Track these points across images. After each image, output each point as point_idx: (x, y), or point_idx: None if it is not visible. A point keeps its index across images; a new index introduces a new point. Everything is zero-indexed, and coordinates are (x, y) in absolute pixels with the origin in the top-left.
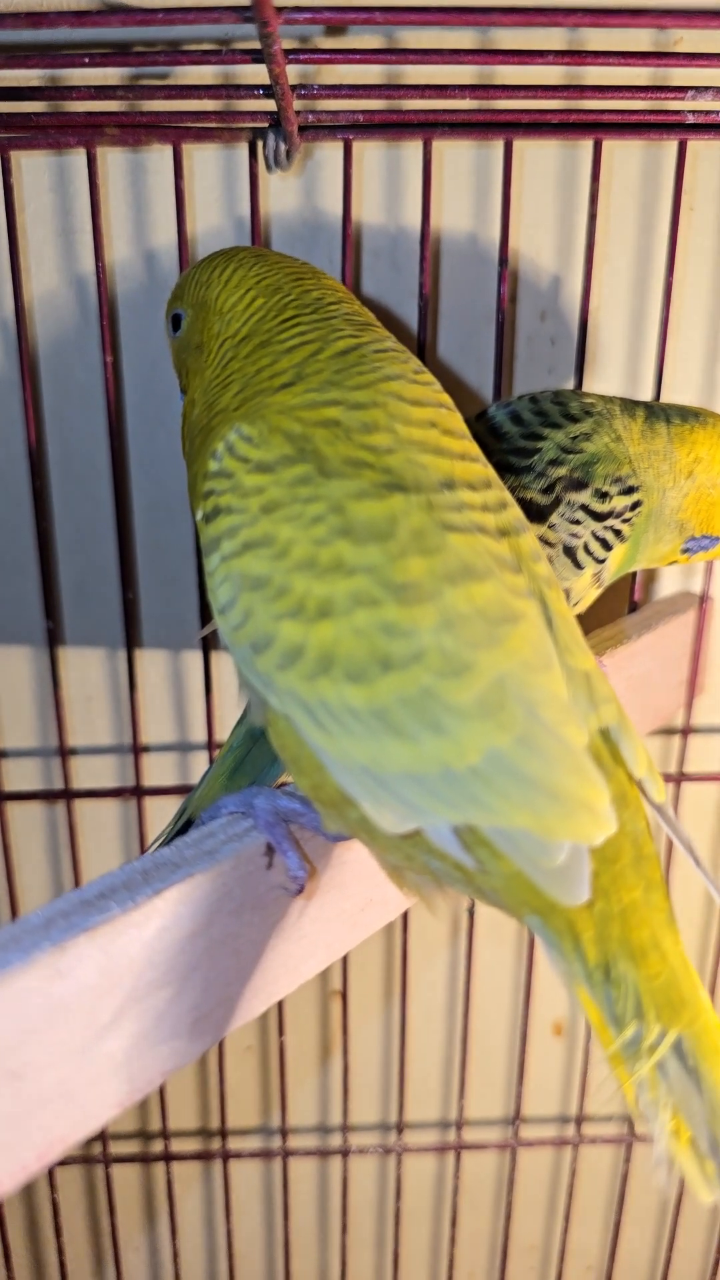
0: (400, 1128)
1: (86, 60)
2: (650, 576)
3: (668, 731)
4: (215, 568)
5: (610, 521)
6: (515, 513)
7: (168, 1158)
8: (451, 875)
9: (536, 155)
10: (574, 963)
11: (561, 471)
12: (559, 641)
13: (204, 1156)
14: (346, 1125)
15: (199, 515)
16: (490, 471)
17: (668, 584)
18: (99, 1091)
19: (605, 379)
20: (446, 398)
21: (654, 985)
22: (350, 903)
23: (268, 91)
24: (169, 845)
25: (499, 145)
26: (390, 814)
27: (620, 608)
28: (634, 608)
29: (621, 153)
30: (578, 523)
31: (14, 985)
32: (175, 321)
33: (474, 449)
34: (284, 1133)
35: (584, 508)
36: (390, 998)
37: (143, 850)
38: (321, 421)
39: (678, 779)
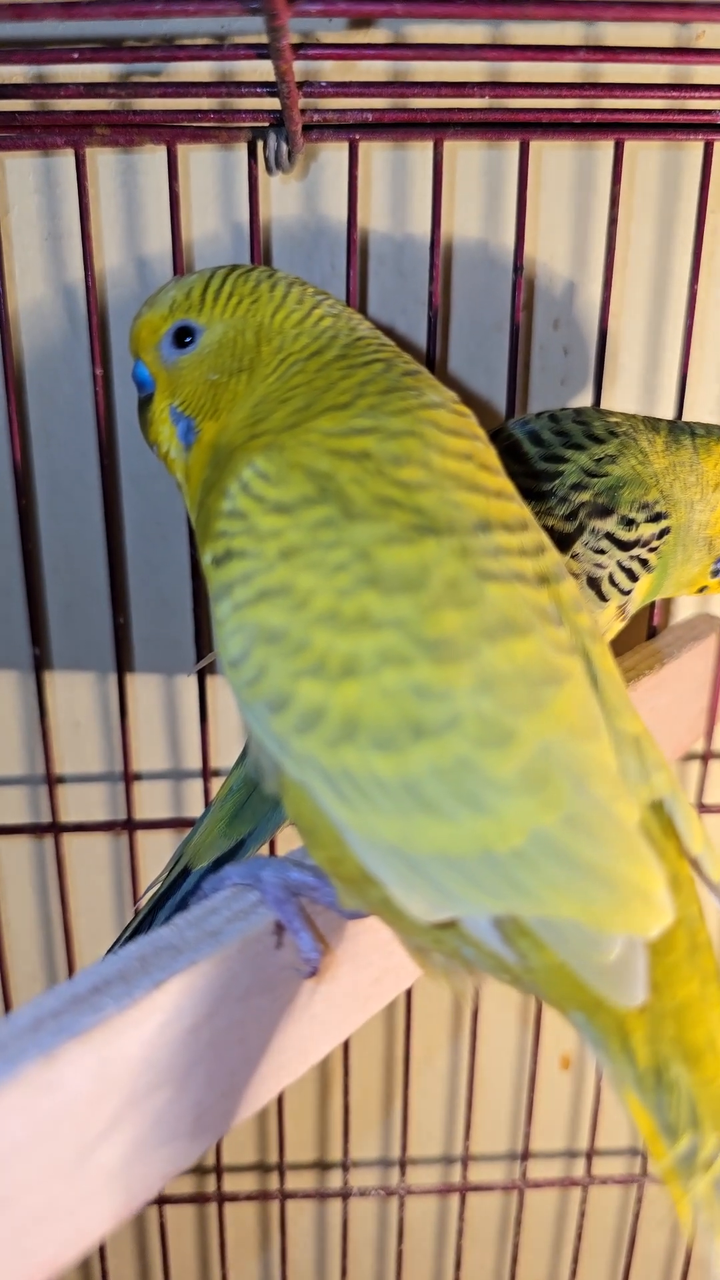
0: (403, 1164)
1: (75, 55)
2: (668, 599)
3: (685, 758)
4: (226, 617)
5: (637, 550)
6: (554, 557)
7: (160, 1200)
8: (486, 963)
9: (551, 156)
10: (623, 1065)
11: (585, 497)
12: (606, 703)
13: (199, 1199)
14: (347, 1162)
15: (208, 558)
16: (526, 512)
17: (685, 606)
18: (93, 1207)
19: (622, 392)
20: (483, 432)
21: (711, 1090)
22: (364, 975)
23: (270, 89)
24: (168, 925)
25: (512, 146)
26: (422, 900)
27: (638, 634)
28: (653, 633)
29: (641, 154)
30: (603, 552)
31: (0, 1103)
32: (180, 335)
33: (509, 486)
34: (281, 1171)
35: (609, 536)
36: (392, 1030)
37: (135, 892)
38: (351, 454)
39: (697, 810)
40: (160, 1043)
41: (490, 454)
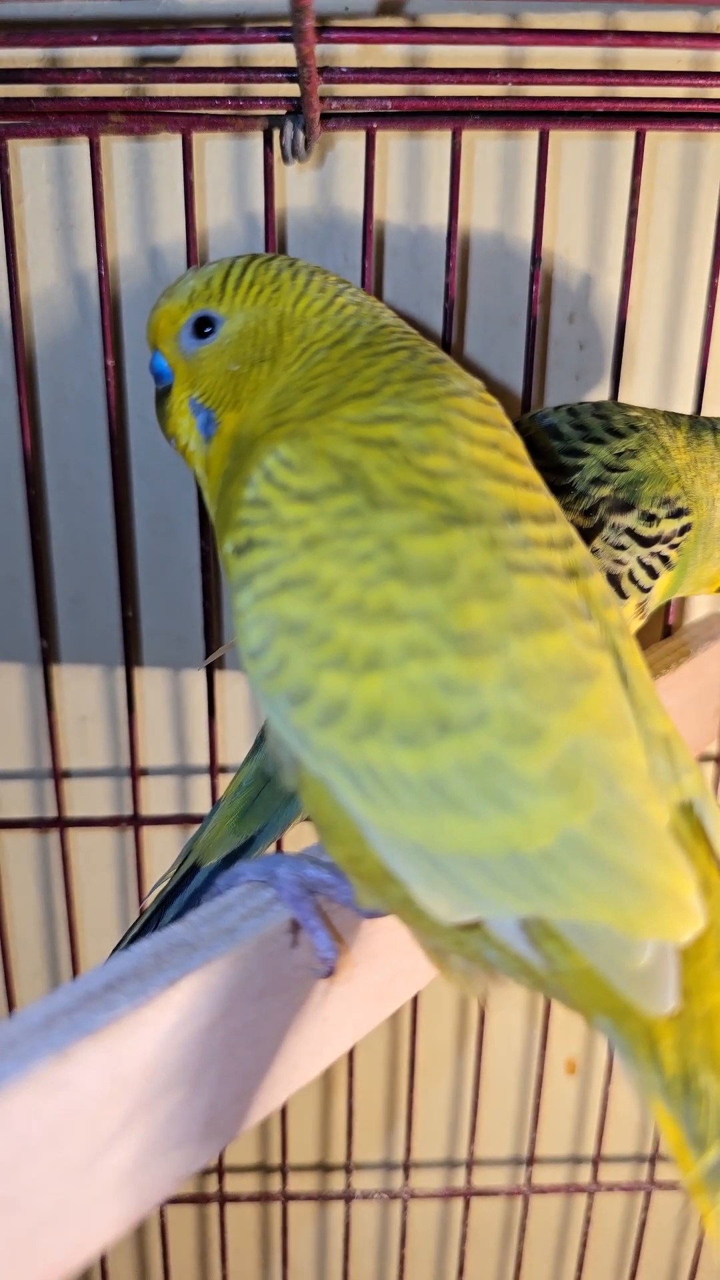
0: (407, 1168)
1: (95, 39)
2: (682, 598)
3: (698, 760)
4: (247, 607)
5: (658, 547)
6: (582, 551)
7: None
8: (509, 967)
9: (570, 147)
10: (650, 1073)
11: (605, 491)
12: (635, 701)
13: (200, 1200)
14: (350, 1165)
15: (228, 547)
16: (554, 503)
17: (699, 605)
18: (102, 1210)
19: (639, 387)
20: (509, 422)
21: None
22: (379, 974)
23: (290, 75)
24: (182, 922)
25: (529, 136)
26: (446, 900)
27: (654, 633)
28: (668, 632)
29: (661, 144)
30: (623, 548)
31: (10, 1103)
32: (200, 325)
33: (536, 477)
34: (284, 1172)
35: (629, 531)
36: (398, 1031)
37: (140, 888)
38: (377, 441)
39: None
40: (174, 1042)
41: (517, 443)
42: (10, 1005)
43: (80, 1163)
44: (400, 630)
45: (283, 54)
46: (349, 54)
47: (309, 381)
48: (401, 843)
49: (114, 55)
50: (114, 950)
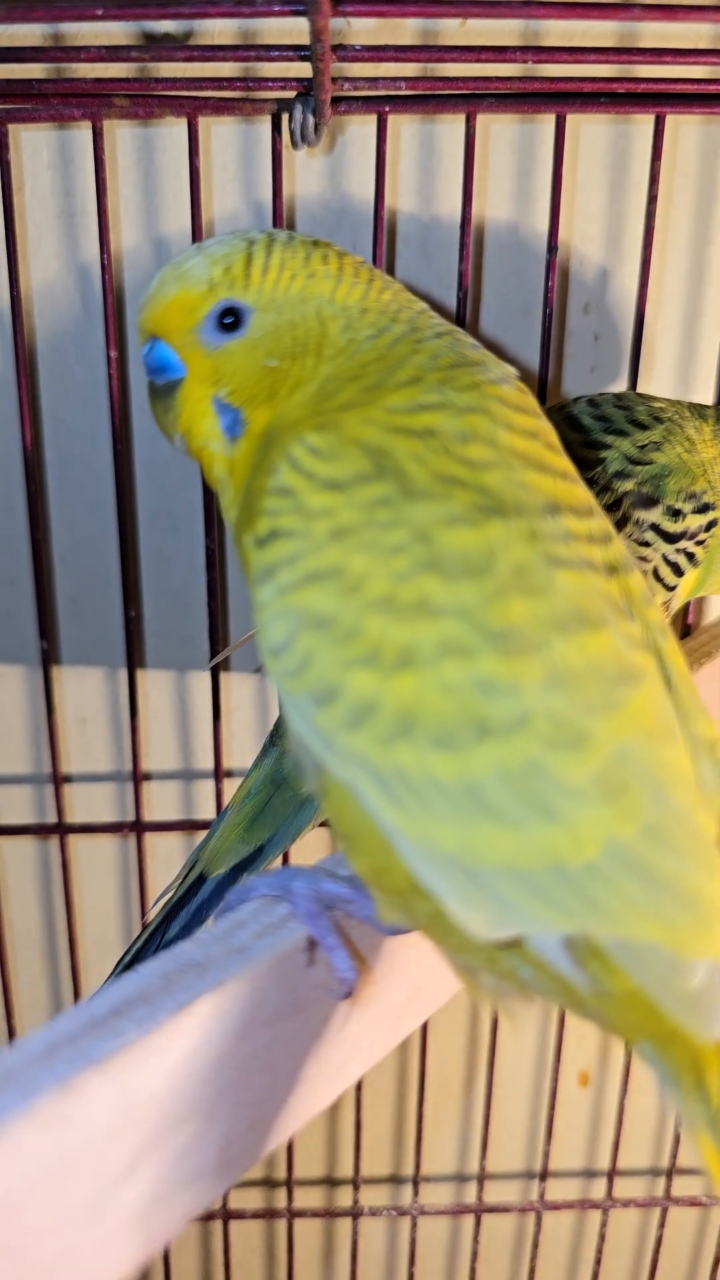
0: (416, 1183)
1: (99, 13)
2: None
3: None
4: (269, 600)
5: (683, 543)
6: (620, 547)
7: None
8: (546, 986)
9: (586, 130)
10: (696, 1103)
11: (628, 485)
12: (679, 705)
13: (203, 1216)
14: (357, 1180)
15: (249, 539)
16: (591, 497)
17: (715, 605)
18: (110, 1250)
19: (656, 379)
20: (542, 411)
21: None
22: (398, 992)
23: (302, 52)
24: (191, 940)
25: (545, 119)
26: (483, 916)
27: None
28: (687, 632)
29: (680, 128)
30: (647, 544)
31: (11, 1139)
32: (224, 317)
33: (573, 469)
34: (289, 1187)
35: (654, 527)
36: (407, 1042)
37: (143, 895)
38: (415, 430)
39: None
40: (186, 1071)
41: (553, 434)
42: (9, 1014)
43: (87, 1203)
44: (435, 626)
45: (293, 33)
46: (360, 34)
47: (356, 370)
48: (435, 854)
49: (118, 31)
50: (118, 964)
